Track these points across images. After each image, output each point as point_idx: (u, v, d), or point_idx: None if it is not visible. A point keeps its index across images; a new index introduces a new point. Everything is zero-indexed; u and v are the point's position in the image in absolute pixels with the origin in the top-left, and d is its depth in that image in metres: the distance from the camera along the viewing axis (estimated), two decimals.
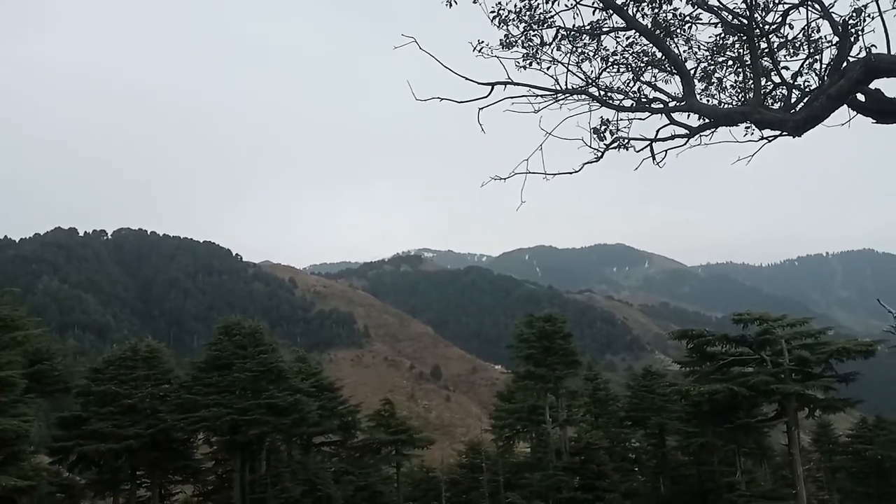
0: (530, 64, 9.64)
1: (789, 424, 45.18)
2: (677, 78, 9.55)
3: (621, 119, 9.94)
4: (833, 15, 8.69)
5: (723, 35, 9.89)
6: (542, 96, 9.40)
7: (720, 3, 9.15)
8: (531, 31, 9.51)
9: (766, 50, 9.56)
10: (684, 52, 9.98)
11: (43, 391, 44.67)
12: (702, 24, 9.66)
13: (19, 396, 34.08)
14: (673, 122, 9.63)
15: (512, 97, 9.24)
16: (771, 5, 9.23)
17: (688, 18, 9.62)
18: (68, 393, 48.74)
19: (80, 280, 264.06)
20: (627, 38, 9.86)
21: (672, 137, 9.76)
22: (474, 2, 8.99)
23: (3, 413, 31.94)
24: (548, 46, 9.62)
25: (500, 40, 9.53)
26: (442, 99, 9.09)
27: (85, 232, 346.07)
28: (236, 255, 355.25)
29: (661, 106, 9.66)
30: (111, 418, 45.79)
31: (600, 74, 9.96)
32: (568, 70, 9.71)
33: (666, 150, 9.95)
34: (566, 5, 9.27)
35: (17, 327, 38.62)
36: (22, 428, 32.29)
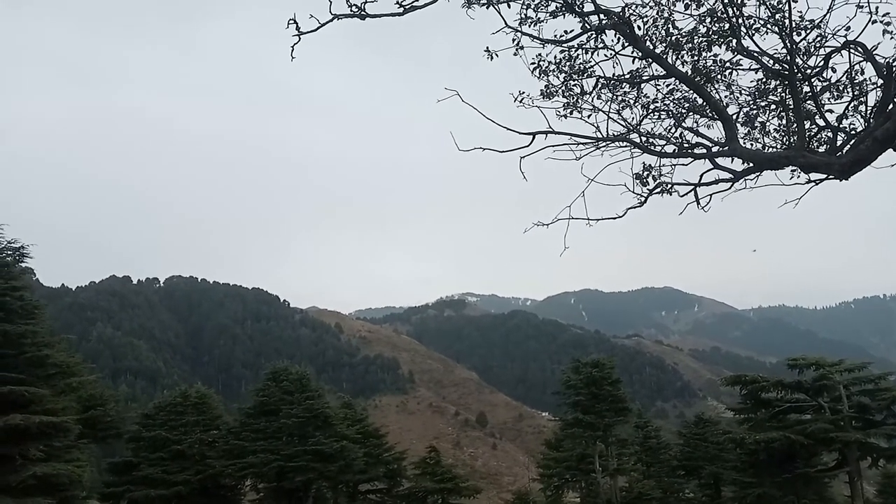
0: (571, 112, 9.79)
1: (851, 474, 43.38)
2: (719, 123, 9.57)
3: (664, 164, 9.98)
4: (876, 57, 8.66)
5: (764, 80, 9.91)
6: (583, 144, 9.52)
7: (760, 48, 9.19)
8: (571, 81, 9.68)
9: (809, 93, 9.53)
10: (726, 97, 10.02)
11: (96, 437, 45.47)
12: (742, 69, 9.71)
13: (73, 442, 34.76)
14: (717, 166, 9.63)
15: (553, 146, 9.38)
16: (812, 49, 9.23)
17: (728, 65, 9.67)
18: (120, 438, 49.54)
19: (133, 327, 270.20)
20: (668, 86, 9.95)
21: (716, 182, 9.75)
22: (515, 54, 9.21)
23: (58, 458, 32.59)
24: (588, 95, 9.77)
25: (541, 90, 9.71)
26: (484, 149, 9.27)
27: (138, 280, 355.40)
28: (284, 301, 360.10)
29: (704, 151, 9.67)
30: (161, 464, 46.33)
31: (641, 121, 10.06)
32: (609, 118, 9.83)
33: (710, 195, 9.94)
34: (606, 56, 9.43)
35: (73, 374, 39.63)
36: (75, 473, 32.82)
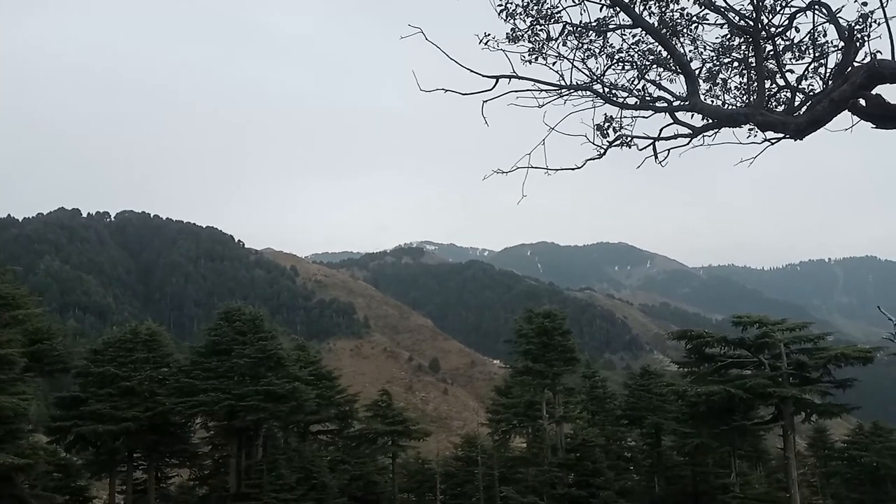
0: (536, 59, 9.66)
1: (785, 428, 45.31)
2: (682, 77, 9.58)
3: (625, 116, 9.98)
4: (840, 20, 8.71)
5: (729, 36, 9.91)
6: (546, 91, 9.43)
7: (727, 3, 9.16)
8: (538, 26, 9.53)
9: (772, 52, 9.57)
10: (690, 51, 10.00)
11: (42, 371, 44.79)
12: (708, 24, 9.68)
13: (18, 375, 34.24)
14: (676, 121, 9.67)
15: (517, 91, 9.28)
16: (778, 8, 9.24)
17: (695, 18, 9.62)
18: (67, 373, 48.90)
19: (82, 261, 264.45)
20: (633, 36, 9.88)
21: (675, 137, 9.80)
22: None
23: (2, 391, 32.11)
24: (554, 42, 9.65)
25: (507, 34, 9.55)
26: (447, 90, 9.13)
27: (88, 213, 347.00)
28: (238, 241, 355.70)
29: (665, 105, 9.69)
30: (109, 400, 45.97)
31: (605, 71, 9.99)
32: (573, 66, 9.74)
33: (669, 150, 10.00)
34: (573, 1, 9.29)
35: (18, 306, 38.80)
36: (20, 406, 32.45)
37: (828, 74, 9.23)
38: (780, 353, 45.56)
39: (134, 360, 48.10)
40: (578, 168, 10.07)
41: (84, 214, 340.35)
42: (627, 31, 9.69)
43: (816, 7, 8.99)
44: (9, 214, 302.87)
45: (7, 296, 35.97)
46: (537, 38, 9.60)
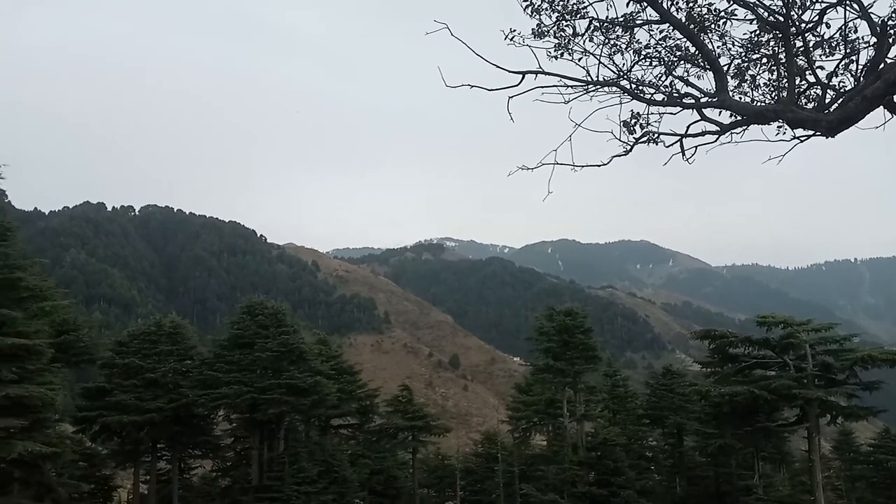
0: (562, 54, 9.61)
1: (810, 430, 44.69)
2: (710, 74, 9.47)
3: (652, 113, 9.89)
4: (872, 15, 8.57)
5: (758, 32, 9.78)
6: (572, 87, 9.38)
7: None
8: (564, 22, 9.48)
9: (802, 48, 9.44)
10: (718, 47, 9.89)
11: (68, 362, 45.45)
12: (737, 20, 9.57)
13: (46, 365, 34.70)
14: (704, 118, 9.56)
15: (543, 87, 9.23)
16: (808, 3, 9.11)
17: (723, 14, 9.52)
18: (93, 364, 49.55)
19: (107, 255, 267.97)
20: (661, 32, 9.79)
21: (703, 134, 9.70)
22: None
23: (30, 381, 32.57)
24: (580, 37, 9.59)
25: (533, 30, 9.51)
26: (472, 86, 9.11)
27: (113, 207, 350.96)
28: (261, 236, 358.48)
29: (693, 101, 9.59)
30: (134, 391, 46.54)
31: (632, 67, 9.91)
32: (599, 62, 9.67)
33: (696, 147, 9.89)
34: None
35: (45, 297, 39.31)
36: (48, 396, 32.88)
37: (860, 71, 9.08)
38: (805, 354, 44.93)
39: (158, 353, 48.65)
40: (604, 164, 10.03)
41: (109, 208, 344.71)
42: (655, 26, 9.60)
43: (848, 2, 8.86)
44: (35, 208, 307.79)
45: (35, 287, 36.44)
46: (563, 34, 9.55)
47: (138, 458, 50.10)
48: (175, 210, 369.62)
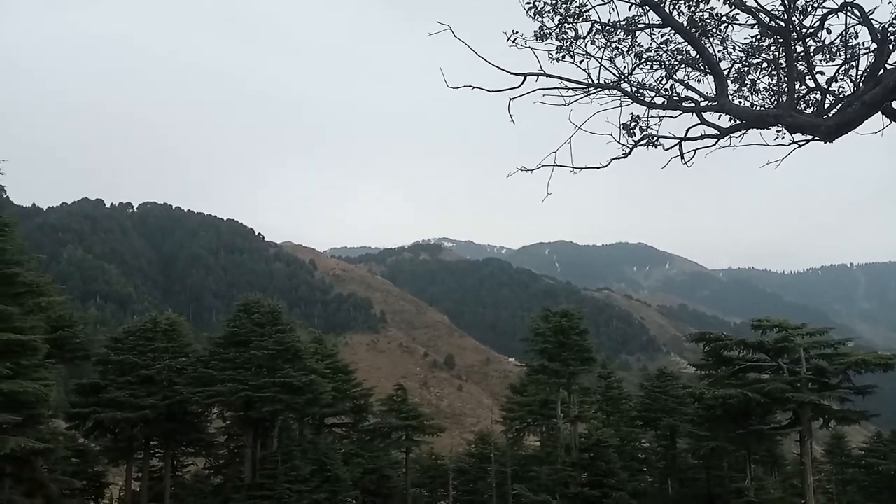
0: (563, 57, 9.63)
1: (802, 434, 44.86)
2: (710, 77, 9.50)
3: (652, 116, 9.92)
4: (873, 21, 8.60)
5: (759, 37, 9.81)
6: (573, 89, 9.40)
7: (758, 4, 9.08)
8: (566, 24, 9.50)
9: (802, 53, 9.48)
10: (719, 51, 9.92)
11: (63, 358, 45.38)
12: (738, 24, 9.60)
13: (40, 361, 34.63)
14: (704, 121, 9.60)
15: (543, 89, 9.26)
16: (809, 9, 9.15)
17: (724, 18, 9.55)
18: (88, 361, 49.52)
19: (105, 251, 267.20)
20: (662, 36, 9.82)
21: (702, 137, 9.74)
22: None
23: (25, 376, 32.50)
24: (582, 40, 9.61)
25: (535, 32, 9.53)
26: (474, 87, 9.12)
27: (111, 204, 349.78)
28: (258, 234, 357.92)
29: (693, 105, 9.62)
30: (128, 388, 46.49)
31: (633, 70, 9.94)
32: (601, 65, 9.70)
33: (695, 150, 9.93)
34: (602, 0, 9.26)
35: (42, 293, 39.25)
36: (42, 392, 32.82)
37: (859, 77, 9.13)
38: (799, 357, 45.09)
39: (153, 350, 48.61)
40: (603, 167, 10.04)
41: (107, 205, 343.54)
42: (656, 30, 9.63)
43: (849, 8, 8.89)
44: (33, 203, 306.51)
45: (31, 283, 36.37)
46: (565, 37, 9.57)
47: (131, 454, 50.04)
48: (173, 207, 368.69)
